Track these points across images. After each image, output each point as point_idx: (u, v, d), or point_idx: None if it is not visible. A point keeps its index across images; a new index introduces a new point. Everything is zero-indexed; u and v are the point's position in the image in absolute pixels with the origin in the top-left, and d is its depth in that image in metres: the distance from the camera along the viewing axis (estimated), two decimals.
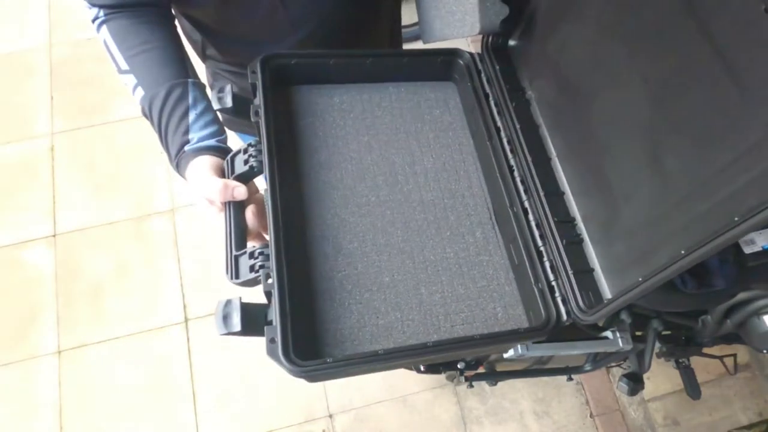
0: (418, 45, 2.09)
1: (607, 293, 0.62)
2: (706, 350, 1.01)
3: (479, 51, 0.80)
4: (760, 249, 0.71)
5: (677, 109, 0.53)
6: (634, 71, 0.58)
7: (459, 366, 0.92)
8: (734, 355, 1.17)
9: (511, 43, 0.79)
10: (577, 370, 0.97)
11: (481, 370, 0.98)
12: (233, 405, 1.54)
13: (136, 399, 1.52)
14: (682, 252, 0.47)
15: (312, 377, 0.52)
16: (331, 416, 1.52)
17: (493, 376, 1.01)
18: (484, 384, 1.44)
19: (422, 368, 0.93)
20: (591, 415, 1.49)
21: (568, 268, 0.62)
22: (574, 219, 0.67)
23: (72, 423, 1.50)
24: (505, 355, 0.68)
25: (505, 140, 0.73)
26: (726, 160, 0.47)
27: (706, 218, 0.49)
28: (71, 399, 1.52)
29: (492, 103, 0.75)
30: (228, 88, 0.60)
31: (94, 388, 1.53)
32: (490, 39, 0.78)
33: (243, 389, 1.54)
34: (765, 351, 0.78)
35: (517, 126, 0.72)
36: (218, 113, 0.66)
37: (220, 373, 1.56)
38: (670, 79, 0.54)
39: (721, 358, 1.11)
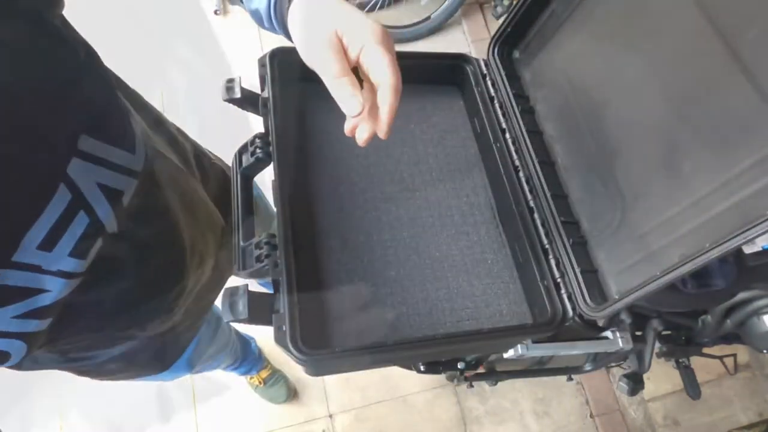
0: (418, 46, 2.08)
1: (612, 292, 0.63)
2: (706, 350, 1.02)
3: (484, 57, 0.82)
4: (760, 249, 0.72)
5: (697, 115, 0.54)
6: (651, 81, 0.60)
7: (459, 366, 0.93)
8: (734, 355, 1.18)
9: (516, 54, 0.81)
10: (577, 370, 0.98)
11: (481, 370, 0.98)
12: (233, 404, 1.54)
13: (136, 396, 1.52)
14: (700, 249, 0.48)
15: (319, 367, 0.52)
16: (331, 416, 1.52)
17: (493, 376, 1.02)
18: (484, 384, 1.44)
19: (422, 368, 0.94)
20: (591, 415, 1.49)
21: (575, 265, 0.63)
22: (577, 221, 0.68)
23: (72, 423, 1.50)
24: (506, 355, 0.68)
25: (509, 142, 0.74)
26: (747, 163, 0.48)
27: (723, 218, 0.50)
28: (71, 399, 1.52)
29: (497, 106, 0.76)
30: (237, 79, 0.61)
31: (94, 386, 1.53)
32: (497, 47, 0.79)
33: (243, 388, 1.54)
34: (765, 351, 0.79)
35: (523, 129, 0.73)
36: None
37: (220, 372, 1.56)
38: (691, 87, 0.55)
39: (721, 358, 1.11)
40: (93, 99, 0.46)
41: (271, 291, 0.54)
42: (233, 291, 0.50)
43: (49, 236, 0.42)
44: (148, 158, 0.54)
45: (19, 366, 0.52)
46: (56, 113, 0.41)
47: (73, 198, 0.44)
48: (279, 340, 0.50)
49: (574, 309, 0.62)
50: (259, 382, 1.49)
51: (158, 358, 0.77)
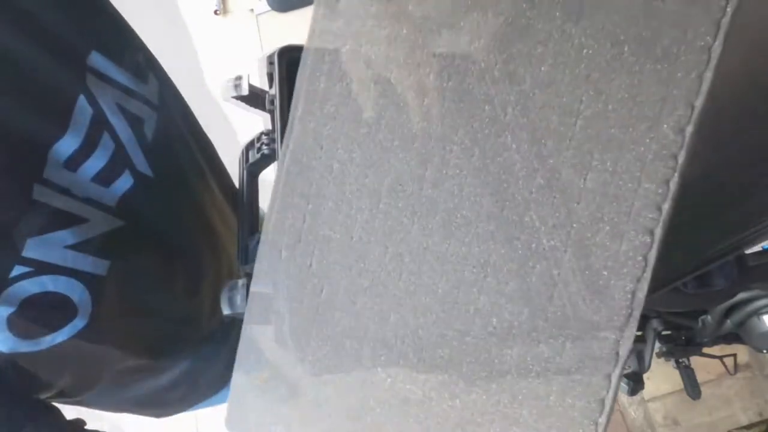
0: None
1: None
2: (706, 350, 1.02)
3: None
4: (761, 249, 0.72)
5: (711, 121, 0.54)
6: None
7: None
8: (734, 355, 1.18)
9: None
10: None
11: None
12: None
13: None
14: (702, 252, 0.48)
15: None
16: None
17: None
18: None
19: None
20: None
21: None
22: None
23: None
24: None
25: None
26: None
27: (727, 221, 0.50)
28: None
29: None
30: (244, 77, 0.61)
31: None
32: None
33: None
34: (765, 351, 0.79)
35: None
36: None
37: None
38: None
39: (721, 358, 1.12)
40: (102, 17, 0.48)
41: None
42: (232, 285, 0.51)
43: (75, 155, 0.43)
44: (163, 97, 0.54)
45: (80, 389, 0.51)
46: (72, 23, 0.43)
47: (94, 114, 0.44)
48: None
49: None
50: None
51: (221, 374, 0.75)
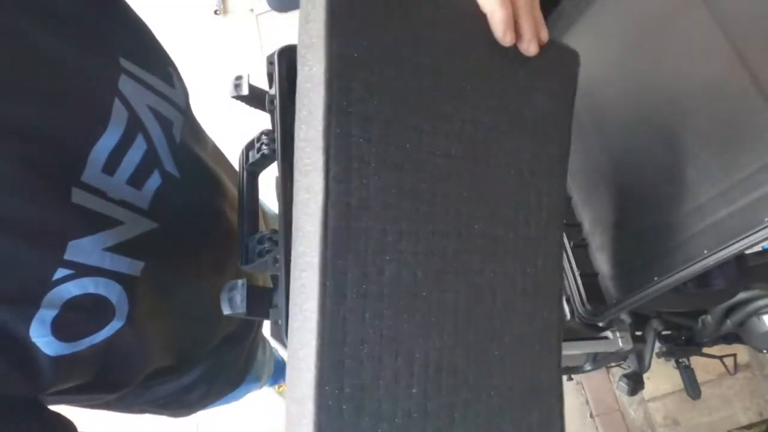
0: None
1: (611, 296, 0.63)
2: (706, 350, 1.02)
3: None
4: (760, 249, 0.72)
5: (702, 120, 0.54)
6: (657, 84, 0.60)
7: None
8: (734, 355, 1.18)
9: None
10: (577, 370, 0.98)
11: None
12: (233, 405, 1.54)
13: None
14: (704, 252, 0.49)
15: None
16: None
17: None
18: None
19: None
20: (591, 415, 1.49)
21: (575, 268, 0.63)
22: (579, 223, 0.68)
23: None
24: None
25: None
26: (750, 169, 0.49)
27: (724, 225, 0.50)
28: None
29: None
30: (245, 76, 0.61)
31: None
32: None
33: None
34: (765, 351, 0.79)
35: None
36: None
37: None
38: (697, 92, 0.55)
39: (721, 358, 1.12)
40: (126, 24, 0.48)
41: None
42: (232, 285, 0.51)
43: (111, 158, 0.43)
44: (187, 101, 0.54)
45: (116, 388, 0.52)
46: (99, 30, 0.43)
47: (129, 117, 0.44)
48: (275, 333, 0.50)
49: (572, 312, 0.62)
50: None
51: (236, 373, 0.78)
